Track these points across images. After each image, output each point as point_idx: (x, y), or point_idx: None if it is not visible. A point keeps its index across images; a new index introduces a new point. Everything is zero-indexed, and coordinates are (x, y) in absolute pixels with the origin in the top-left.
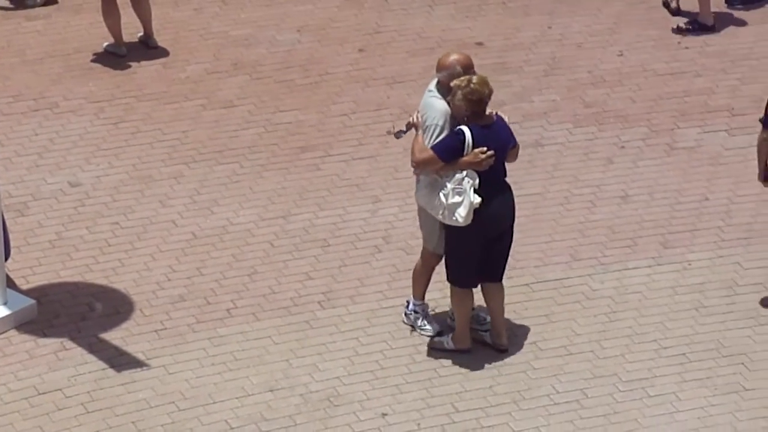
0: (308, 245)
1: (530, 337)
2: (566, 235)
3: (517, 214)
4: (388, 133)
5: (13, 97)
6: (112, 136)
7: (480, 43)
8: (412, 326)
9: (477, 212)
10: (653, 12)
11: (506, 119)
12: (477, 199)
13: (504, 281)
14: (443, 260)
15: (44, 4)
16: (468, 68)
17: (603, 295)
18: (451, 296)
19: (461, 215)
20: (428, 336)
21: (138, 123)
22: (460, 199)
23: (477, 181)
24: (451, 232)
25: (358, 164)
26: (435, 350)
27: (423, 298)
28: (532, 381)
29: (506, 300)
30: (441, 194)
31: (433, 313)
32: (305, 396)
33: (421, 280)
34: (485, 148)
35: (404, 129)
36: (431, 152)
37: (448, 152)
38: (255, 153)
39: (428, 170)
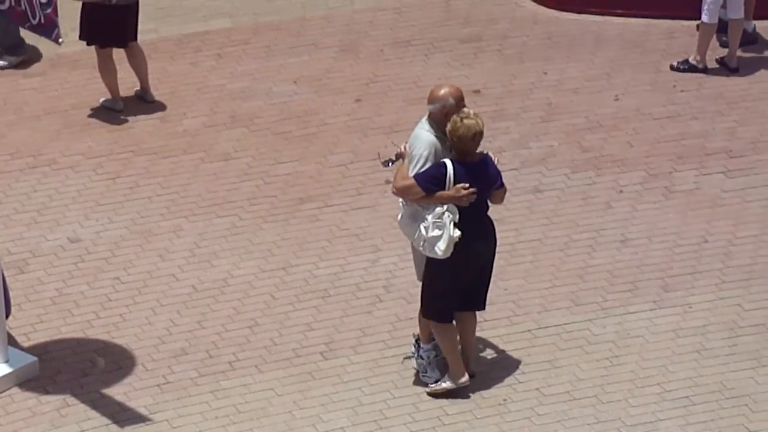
0: (309, 296)
1: (534, 383)
2: (567, 280)
3: (518, 260)
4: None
5: (10, 154)
6: (111, 191)
7: (477, 91)
8: (417, 371)
9: (457, 246)
10: (647, 56)
11: (496, 160)
12: (457, 233)
13: (506, 328)
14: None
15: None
16: (460, 100)
17: (605, 340)
18: (433, 332)
19: (440, 249)
20: (430, 383)
21: (136, 177)
22: (440, 233)
23: (457, 216)
24: (429, 264)
25: (358, 214)
26: (438, 397)
27: (430, 342)
28: (536, 427)
29: (510, 346)
30: (422, 226)
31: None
32: None
33: (426, 323)
34: (467, 185)
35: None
36: (412, 180)
37: (429, 182)
38: (254, 205)
39: (408, 198)
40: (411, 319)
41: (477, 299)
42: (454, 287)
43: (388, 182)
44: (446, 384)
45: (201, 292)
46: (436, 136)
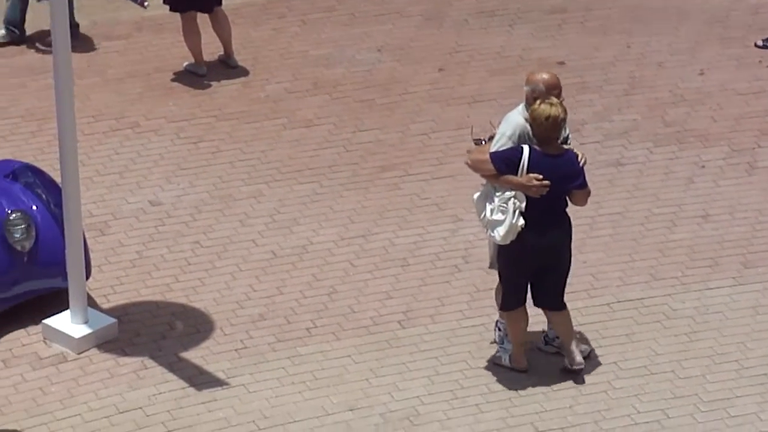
0: (388, 264)
1: (610, 357)
2: (646, 254)
3: (598, 233)
4: (470, 135)
5: (93, 116)
6: (193, 155)
7: (561, 63)
8: (495, 341)
9: (521, 237)
10: (732, 31)
11: (582, 160)
12: (521, 222)
13: (584, 301)
14: None
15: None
16: (551, 89)
17: (684, 315)
18: (500, 317)
19: (499, 233)
20: (503, 358)
21: (218, 142)
22: (503, 217)
23: (524, 204)
24: (499, 252)
25: (438, 183)
26: (494, 364)
27: None
28: (612, 401)
29: (588, 320)
30: (488, 207)
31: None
32: (385, 415)
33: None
34: (540, 176)
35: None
36: (487, 156)
37: (502, 161)
38: (335, 172)
39: (479, 173)
40: (489, 289)
41: (547, 297)
42: (516, 278)
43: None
44: (505, 360)
45: (280, 258)
46: (526, 119)
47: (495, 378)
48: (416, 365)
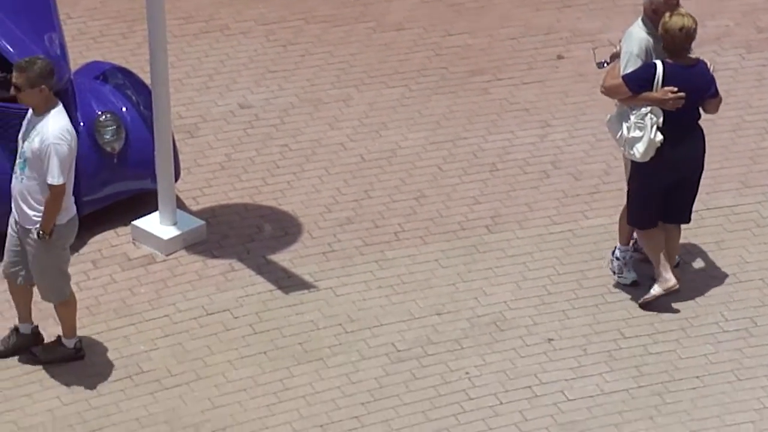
0: (476, 169)
1: (700, 264)
2: (737, 161)
3: None
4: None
5: (183, 18)
6: (282, 58)
7: None
8: (613, 272)
9: (659, 152)
10: None
11: (711, 68)
12: (659, 137)
13: None
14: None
15: None
16: None
17: None
18: (639, 239)
19: (639, 150)
20: (625, 284)
21: (307, 45)
22: (641, 134)
23: (661, 119)
24: (632, 170)
25: (528, 88)
26: (649, 304)
27: (628, 243)
28: (700, 308)
29: None
30: (624, 126)
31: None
32: (472, 320)
33: (626, 225)
34: (675, 88)
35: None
36: (621, 80)
37: (636, 82)
38: (424, 76)
39: (616, 99)
40: (578, 195)
41: (679, 212)
42: (655, 195)
43: (560, 57)
44: (655, 291)
45: (368, 162)
46: (648, 33)
47: (582, 284)
48: (503, 270)
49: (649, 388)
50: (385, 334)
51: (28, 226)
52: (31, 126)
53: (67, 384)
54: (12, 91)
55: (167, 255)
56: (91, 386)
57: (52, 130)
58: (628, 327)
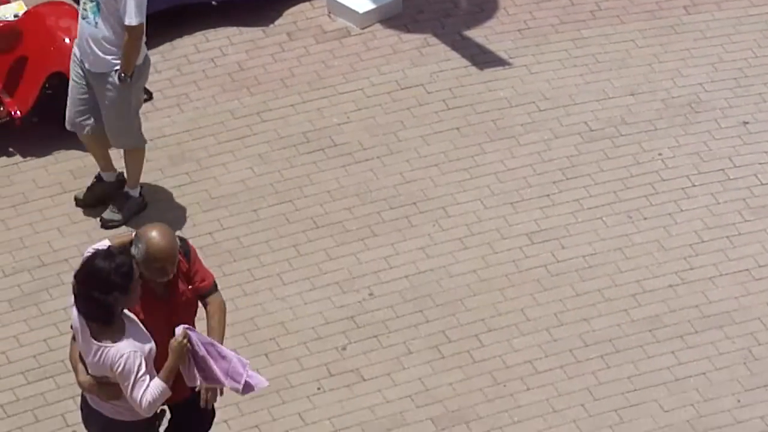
0: None
1: None
2: None
3: None
4: None
5: None
6: None
7: None
8: None
9: None
10: None
11: None
12: None
13: None
14: None
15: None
16: None
17: None
18: None
19: None
20: None
21: None
22: None
23: None
24: None
25: None
26: None
27: None
28: None
29: None
30: None
31: None
32: (666, 101)
33: None
34: None
35: None
36: None
37: None
38: None
39: None
40: None
41: None
42: None
43: None
44: None
45: None
46: None
47: None
48: (700, 52)
49: None
50: (579, 113)
51: (103, 71)
52: None
53: (260, 155)
54: None
55: (362, 28)
56: (284, 157)
57: None
58: None
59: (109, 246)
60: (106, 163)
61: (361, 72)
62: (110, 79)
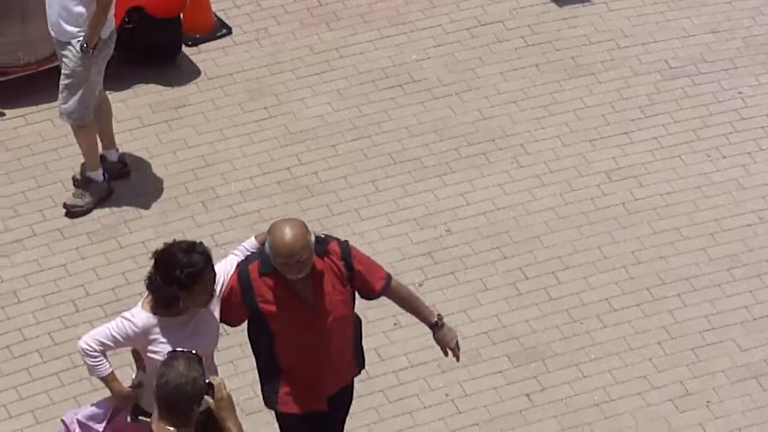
0: None
1: None
2: None
3: None
4: None
5: None
6: None
7: None
8: None
9: None
10: None
11: None
12: None
13: None
14: None
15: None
16: None
17: None
18: None
19: None
20: None
21: None
22: None
23: None
24: None
25: None
26: None
27: None
28: None
29: None
30: None
31: None
32: (747, 39)
33: None
34: None
35: None
36: None
37: None
38: None
39: None
40: None
41: None
42: None
43: None
44: None
45: None
46: None
47: None
48: None
49: None
50: (659, 51)
51: (65, 40)
52: None
53: (339, 90)
54: None
55: None
56: (363, 93)
57: None
58: None
59: (203, 247)
60: (110, 141)
61: (440, 8)
62: (70, 48)
